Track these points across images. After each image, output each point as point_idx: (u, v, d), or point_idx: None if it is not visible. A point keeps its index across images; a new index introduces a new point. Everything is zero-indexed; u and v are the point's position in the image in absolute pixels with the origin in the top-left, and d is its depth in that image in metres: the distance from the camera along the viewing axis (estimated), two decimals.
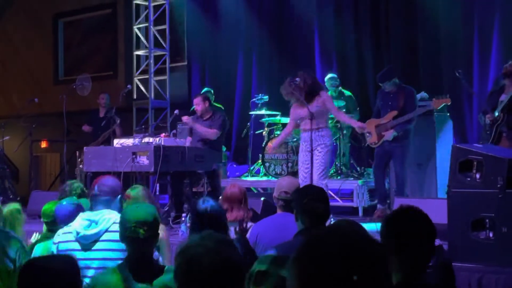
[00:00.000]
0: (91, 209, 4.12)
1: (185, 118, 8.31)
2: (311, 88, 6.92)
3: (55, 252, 3.92)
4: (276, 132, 9.45)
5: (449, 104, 7.66)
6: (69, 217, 4.33)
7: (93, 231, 3.87)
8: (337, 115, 7.54)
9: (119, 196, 4.21)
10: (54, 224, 4.55)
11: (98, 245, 3.86)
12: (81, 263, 3.43)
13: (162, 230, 4.22)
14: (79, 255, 3.73)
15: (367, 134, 7.86)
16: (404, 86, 7.80)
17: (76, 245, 3.88)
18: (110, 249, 3.84)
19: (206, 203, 4.03)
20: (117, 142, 7.98)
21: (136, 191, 4.97)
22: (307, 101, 6.80)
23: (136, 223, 3.27)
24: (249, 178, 9.78)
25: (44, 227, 5.07)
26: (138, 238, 3.26)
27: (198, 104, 8.29)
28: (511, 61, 7.32)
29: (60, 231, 4.05)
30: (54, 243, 3.99)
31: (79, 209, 4.43)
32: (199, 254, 2.15)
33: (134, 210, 3.38)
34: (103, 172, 7.02)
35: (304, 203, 3.86)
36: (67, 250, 3.86)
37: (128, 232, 3.28)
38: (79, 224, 3.93)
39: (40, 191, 10.30)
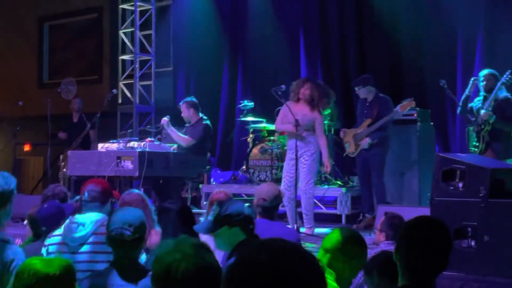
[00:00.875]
0: (80, 213, 4.13)
1: (162, 120, 8.36)
2: (317, 99, 7.20)
3: (45, 254, 3.92)
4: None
5: (413, 106, 7.73)
6: (51, 220, 4.33)
7: (80, 233, 3.88)
8: (319, 138, 7.24)
9: (110, 200, 4.22)
10: (40, 228, 4.54)
11: (85, 248, 3.87)
12: None
13: (157, 234, 4.25)
14: (66, 257, 3.73)
15: (346, 145, 7.95)
16: (380, 96, 7.90)
17: (64, 248, 3.89)
18: (98, 251, 3.85)
19: (174, 204, 4.09)
20: (101, 146, 7.96)
21: (131, 196, 4.95)
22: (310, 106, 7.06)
23: (122, 226, 3.28)
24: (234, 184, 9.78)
25: (29, 231, 5.05)
26: (124, 241, 3.27)
27: (183, 111, 8.46)
28: (487, 72, 7.41)
29: (51, 234, 4.06)
30: (45, 246, 4.00)
31: (61, 212, 4.42)
32: (177, 260, 2.13)
33: (120, 213, 3.40)
34: (87, 176, 6.99)
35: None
36: (56, 252, 3.87)
37: (114, 234, 3.29)
38: (67, 226, 3.94)
39: (22, 194, 10.21)
